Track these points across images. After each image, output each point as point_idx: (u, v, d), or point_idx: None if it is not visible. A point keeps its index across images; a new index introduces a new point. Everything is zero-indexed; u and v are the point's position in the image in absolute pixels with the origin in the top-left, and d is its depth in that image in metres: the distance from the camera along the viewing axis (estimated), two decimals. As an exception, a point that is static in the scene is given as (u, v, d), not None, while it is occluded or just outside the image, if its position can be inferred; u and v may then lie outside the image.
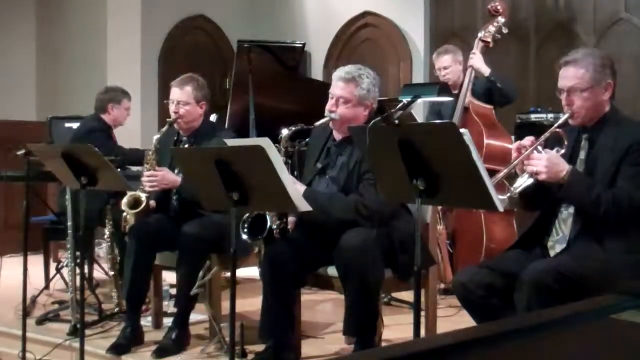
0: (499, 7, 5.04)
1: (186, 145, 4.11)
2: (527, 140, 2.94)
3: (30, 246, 4.13)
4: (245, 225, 3.50)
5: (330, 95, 3.52)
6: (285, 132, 3.51)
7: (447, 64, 5.16)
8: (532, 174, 2.88)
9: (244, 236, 3.50)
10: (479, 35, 5.03)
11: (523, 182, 2.91)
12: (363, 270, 3.24)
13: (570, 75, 2.95)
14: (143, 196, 4.01)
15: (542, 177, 2.85)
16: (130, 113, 5.49)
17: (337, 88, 3.49)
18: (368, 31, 7.76)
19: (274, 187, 2.93)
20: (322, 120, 3.52)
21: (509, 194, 2.91)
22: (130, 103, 5.47)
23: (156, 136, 4.11)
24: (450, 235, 4.92)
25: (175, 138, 4.20)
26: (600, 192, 2.83)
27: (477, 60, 4.95)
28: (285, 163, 3.49)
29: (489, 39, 5.01)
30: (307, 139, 3.69)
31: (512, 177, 3.00)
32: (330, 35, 7.90)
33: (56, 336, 4.19)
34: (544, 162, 2.84)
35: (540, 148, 2.91)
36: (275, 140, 3.10)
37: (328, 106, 3.51)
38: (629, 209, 2.82)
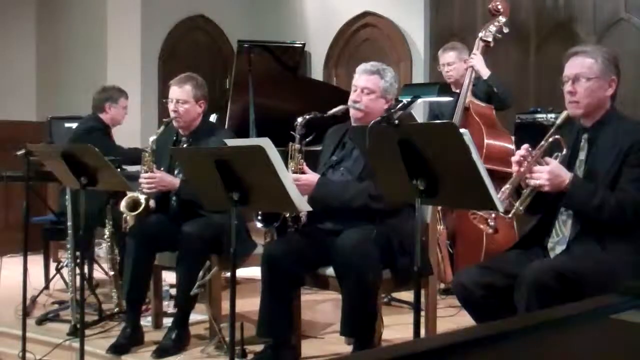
0: (499, 7, 5.03)
1: (185, 145, 4.11)
2: (523, 149, 2.92)
3: (30, 246, 4.13)
4: (260, 213, 3.52)
5: (353, 88, 3.62)
6: (300, 119, 3.59)
7: (451, 60, 5.14)
8: (535, 187, 2.87)
9: (258, 224, 3.53)
10: (480, 35, 5.02)
11: (526, 198, 2.91)
12: (359, 270, 3.24)
13: (577, 64, 2.95)
14: (142, 198, 4.01)
15: (545, 189, 2.84)
16: (127, 112, 5.49)
17: (362, 80, 3.59)
18: (368, 31, 7.77)
19: (274, 187, 2.93)
20: (336, 109, 3.59)
21: (514, 211, 2.91)
22: (128, 102, 5.47)
23: (152, 137, 4.10)
24: (450, 235, 4.91)
25: (175, 138, 4.20)
26: (604, 197, 2.81)
27: (477, 61, 4.93)
28: (300, 151, 3.57)
29: (490, 39, 5.00)
30: (307, 139, 3.70)
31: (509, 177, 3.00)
32: (330, 35, 7.91)
33: (56, 336, 4.19)
34: (546, 175, 2.83)
35: (540, 159, 2.90)
36: (275, 140, 3.10)
37: (352, 97, 3.60)
38: (633, 213, 2.81)
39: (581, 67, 2.94)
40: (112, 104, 5.33)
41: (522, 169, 2.88)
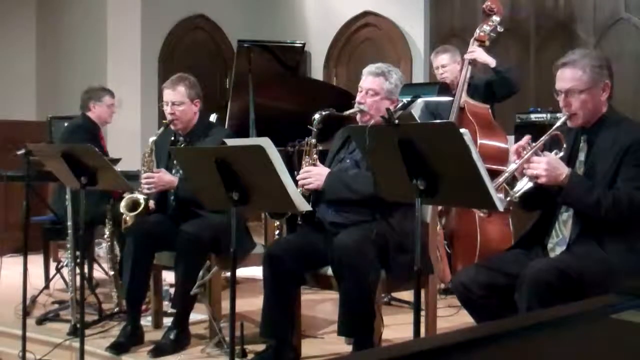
0: (493, 7, 5.04)
1: (182, 145, 4.11)
2: (525, 139, 2.94)
3: (30, 246, 4.12)
4: None
5: (359, 89, 3.67)
6: (317, 116, 3.63)
7: (445, 63, 5.16)
8: (532, 178, 2.88)
9: (269, 217, 3.55)
10: (475, 34, 5.04)
11: (523, 185, 2.91)
12: (357, 270, 3.24)
13: (567, 77, 2.95)
14: (141, 198, 4.01)
15: (542, 180, 2.85)
16: (115, 110, 5.51)
17: (367, 81, 3.64)
18: (368, 31, 7.77)
19: (274, 187, 2.93)
20: (351, 110, 3.64)
21: (509, 199, 2.91)
22: (114, 100, 5.49)
23: (152, 138, 4.11)
24: (447, 235, 4.91)
25: (173, 138, 4.20)
26: (600, 194, 2.82)
27: (480, 53, 4.93)
28: (315, 146, 3.63)
29: (485, 39, 5.01)
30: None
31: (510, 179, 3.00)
32: (330, 35, 7.91)
33: (56, 336, 4.19)
34: (543, 165, 2.84)
35: (539, 151, 2.91)
36: (275, 140, 3.11)
37: (358, 98, 3.65)
38: (629, 210, 2.82)
39: (571, 80, 2.94)
40: (96, 102, 5.39)
41: (520, 159, 2.89)
